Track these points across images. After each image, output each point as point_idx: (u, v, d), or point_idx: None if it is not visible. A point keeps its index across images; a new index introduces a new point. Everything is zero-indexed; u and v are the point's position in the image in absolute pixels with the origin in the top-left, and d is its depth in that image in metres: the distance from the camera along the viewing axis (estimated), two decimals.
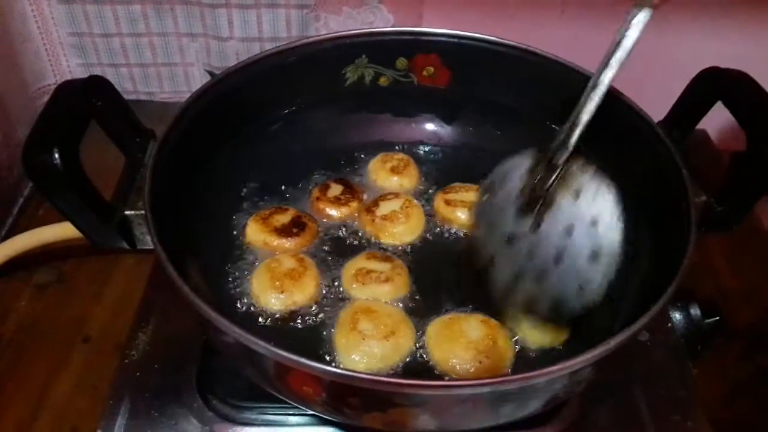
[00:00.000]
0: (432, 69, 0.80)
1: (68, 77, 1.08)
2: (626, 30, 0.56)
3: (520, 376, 0.44)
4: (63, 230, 0.81)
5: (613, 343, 0.48)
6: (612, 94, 0.70)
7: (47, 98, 1.07)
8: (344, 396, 0.47)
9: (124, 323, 0.75)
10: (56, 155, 0.50)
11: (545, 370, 0.45)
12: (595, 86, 0.58)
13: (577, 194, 0.58)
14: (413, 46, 0.78)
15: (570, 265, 0.57)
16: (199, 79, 1.10)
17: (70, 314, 0.81)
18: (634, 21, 0.55)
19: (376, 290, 0.66)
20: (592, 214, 0.57)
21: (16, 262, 0.82)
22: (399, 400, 0.45)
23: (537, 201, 0.59)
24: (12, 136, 0.96)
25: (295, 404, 0.54)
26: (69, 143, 0.52)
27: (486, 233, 0.63)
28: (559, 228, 0.57)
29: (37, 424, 0.70)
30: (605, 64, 0.57)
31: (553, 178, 0.59)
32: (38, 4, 0.98)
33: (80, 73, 1.07)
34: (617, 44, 0.56)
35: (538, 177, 0.59)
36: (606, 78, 0.57)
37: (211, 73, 1.08)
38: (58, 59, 1.06)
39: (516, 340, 0.64)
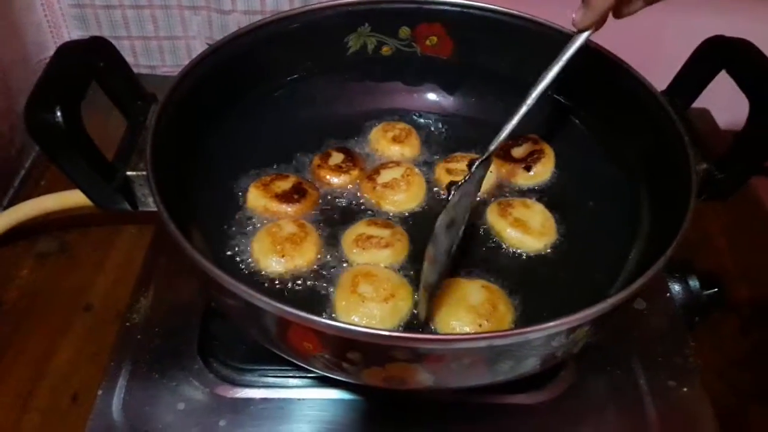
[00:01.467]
0: (435, 39, 0.80)
1: None
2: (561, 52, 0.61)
3: (518, 330, 0.45)
4: (65, 199, 0.81)
5: (609, 302, 0.48)
6: (617, 64, 0.71)
7: None
8: (344, 351, 0.47)
9: (125, 292, 0.75)
10: (58, 114, 0.51)
11: (543, 326, 0.45)
12: (523, 102, 0.63)
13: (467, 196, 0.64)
14: (416, 14, 0.78)
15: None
16: None
17: (72, 283, 0.81)
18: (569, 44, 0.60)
19: (376, 255, 0.66)
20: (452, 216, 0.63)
21: (19, 231, 0.83)
22: (398, 354, 0.46)
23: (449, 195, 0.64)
24: (13, 108, 0.96)
25: (296, 361, 0.54)
26: (71, 102, 0.52)
27: None
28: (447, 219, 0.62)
29: (39, 390, 0.71)
30: (535, 86, 0.62)
31: (465, 176, 0.64)
32: None
33: None
34: (551, 64, 0.61)
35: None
36: (532, 95, 0.62)
37: None
38: (60, 31, 1.06)
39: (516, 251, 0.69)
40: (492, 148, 0.65)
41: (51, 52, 1.04)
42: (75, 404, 0.69)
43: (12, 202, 0.91)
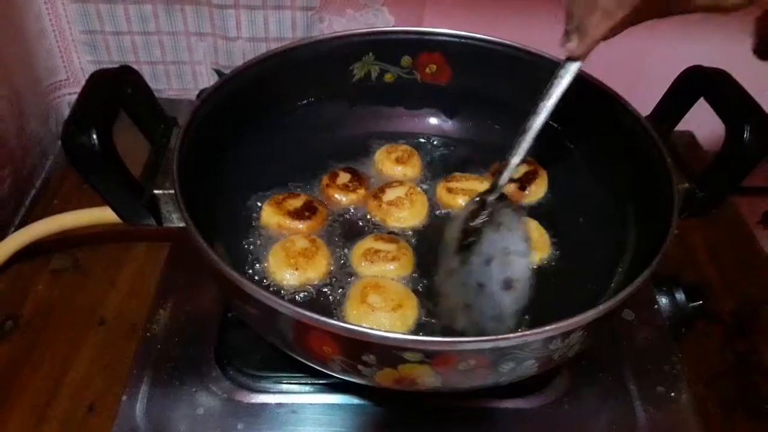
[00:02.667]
0: (435, 67, 0.85)
1: (80, 74, 1.11)
2: (555, 80, 0.59)
3: (519, 333, 0.49)
4: (79, 217, 0.83)
5: (601, 308, 0.52)
6: (604, 91, 0.75)
7: (58, 93, 1.10)
8: (361, 353, 0.51)
9: (137, 306, 0.79)
10: (94, 137, 0.54)
11: (541, 329, 0.50)
12: (524, 132, 0.62)
13: (498, 227, 0.64)
14: (418, 45, 0.83)
15: (488, 293, 0.62)
16: (206, 78, 1.13)
17: (86, 298, 0.84)
18: (563, 73, 0.59)
19: (383, 268, 0.70)
20: (505, 245, 0.63)
21: (33, 248, 0.85)
22: (410, 356, 0.50)
23: (468, 237, 0.64)
24: (25, 129, 0.99)
25: (314, 365, 0.58)
26: (105, 126, 0.56)
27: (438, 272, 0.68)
28: (482, 259, 0.63)
29: (56, 401, 0.73)
30: (534, 112, 0.61)
31: (483, 215, 0.64)
32: (52, 2, 1.01)
33: (92, 70, 1.10)
34: (546, 93, 0.60)
35: (471, 215, 0.65)
36: (535, 124, 0.61)
37: (218, 72, 1.11)
38: (70, 56, 1.09)
39: None
40: (501, 183, 0.65)
41: (61, 77, 1.10)
42: (91, 414, 0.72)
43: (23, 221, 0.93)
